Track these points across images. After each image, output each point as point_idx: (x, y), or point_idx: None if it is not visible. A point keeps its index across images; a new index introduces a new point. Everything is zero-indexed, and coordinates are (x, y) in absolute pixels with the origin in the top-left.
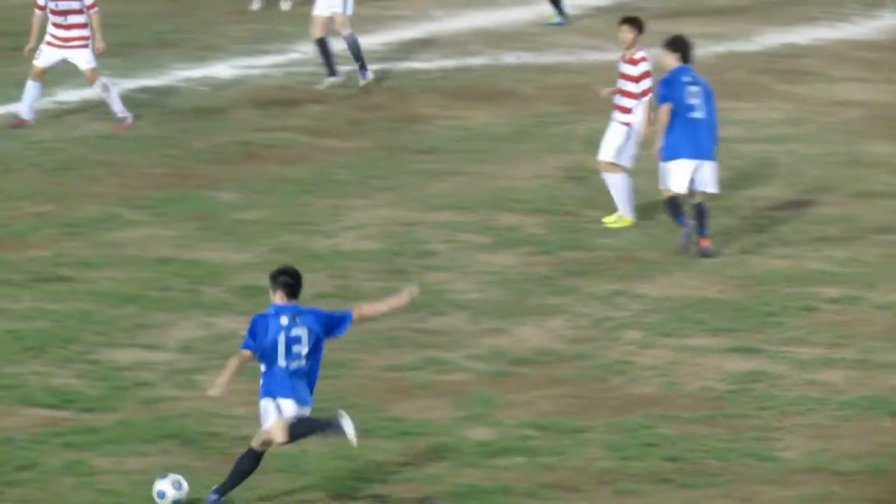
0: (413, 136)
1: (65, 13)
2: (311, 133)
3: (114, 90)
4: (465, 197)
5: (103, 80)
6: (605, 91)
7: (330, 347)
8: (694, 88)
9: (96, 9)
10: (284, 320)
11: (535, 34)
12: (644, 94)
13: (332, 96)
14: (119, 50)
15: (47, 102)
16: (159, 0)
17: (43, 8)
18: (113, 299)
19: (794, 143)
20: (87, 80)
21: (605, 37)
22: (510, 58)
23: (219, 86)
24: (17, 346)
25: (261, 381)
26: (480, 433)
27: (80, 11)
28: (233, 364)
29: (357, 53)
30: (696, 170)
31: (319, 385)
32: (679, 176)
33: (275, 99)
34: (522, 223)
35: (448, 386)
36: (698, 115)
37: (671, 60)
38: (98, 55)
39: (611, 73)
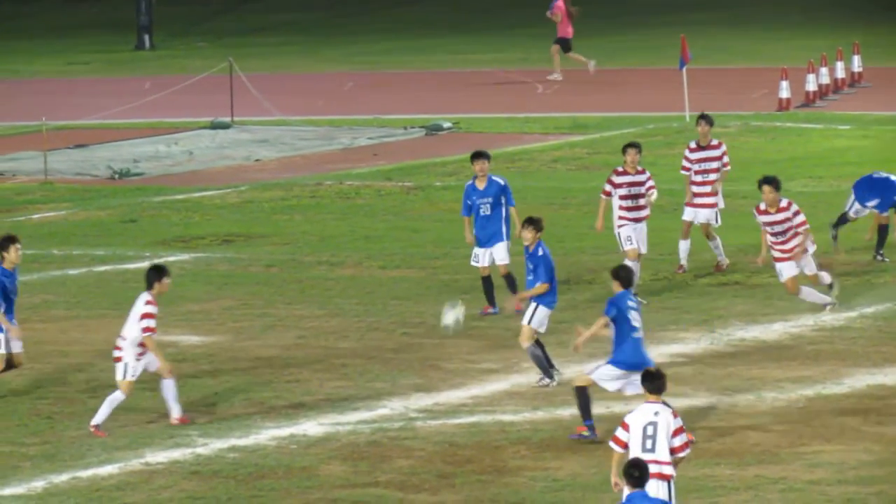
0: (503, 489)
1: None
2: (400, 488)
3: None
4: None
5: None
6: None
7: None
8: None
9: None
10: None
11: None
12: None
13: (423, 451)
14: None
15: None
16: None
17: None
18: None
19: (885, 484)
20: None
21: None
22: (600, 408)
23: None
24: None
25: None
26: None
27: None
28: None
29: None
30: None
31: None
32: None
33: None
34: None
35: None
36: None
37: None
38: None
39: None
